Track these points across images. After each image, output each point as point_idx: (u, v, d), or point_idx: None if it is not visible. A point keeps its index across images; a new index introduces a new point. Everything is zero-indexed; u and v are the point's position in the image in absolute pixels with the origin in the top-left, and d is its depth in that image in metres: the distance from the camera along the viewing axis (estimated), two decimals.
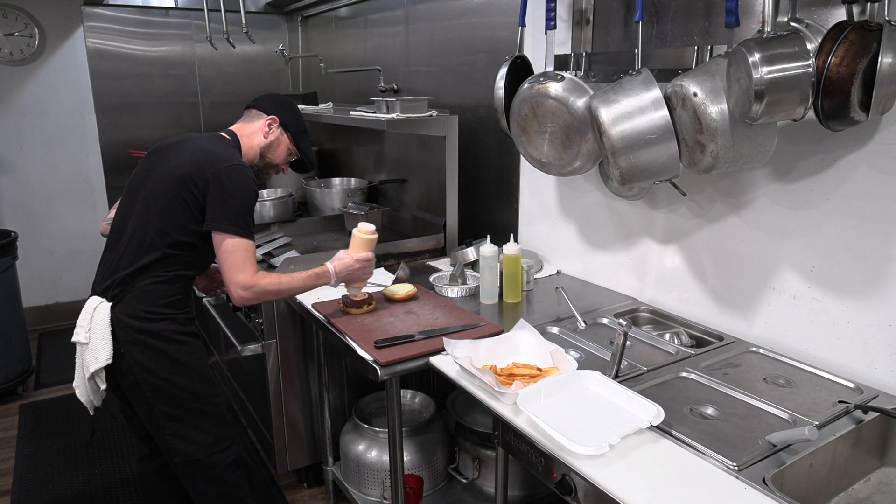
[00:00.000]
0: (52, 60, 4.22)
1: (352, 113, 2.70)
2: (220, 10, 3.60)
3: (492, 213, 2.67)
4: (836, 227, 1.52)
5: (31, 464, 2.90)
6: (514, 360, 1.59)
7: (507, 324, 1.80)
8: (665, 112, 1.53)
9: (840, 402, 1.38)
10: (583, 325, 1.82)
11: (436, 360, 1.65)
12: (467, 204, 2.72)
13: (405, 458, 2.16)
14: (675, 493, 1.12)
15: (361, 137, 3.51)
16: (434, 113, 2.51)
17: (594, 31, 2.05)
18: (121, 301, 1.73)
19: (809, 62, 1.28)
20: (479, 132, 2.65)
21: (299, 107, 2.15)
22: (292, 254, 2.51)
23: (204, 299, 2.57)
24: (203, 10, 3.65)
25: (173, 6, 3.91)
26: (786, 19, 1.44)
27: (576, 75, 1.88)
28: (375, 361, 1.65)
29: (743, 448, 1.23)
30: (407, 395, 2.53)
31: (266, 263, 2.47)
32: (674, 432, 1.28)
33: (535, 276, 2.24)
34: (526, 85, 1.91)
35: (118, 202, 1.88)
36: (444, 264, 2.50)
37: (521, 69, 2.06)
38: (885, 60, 1.20)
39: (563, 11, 2.10)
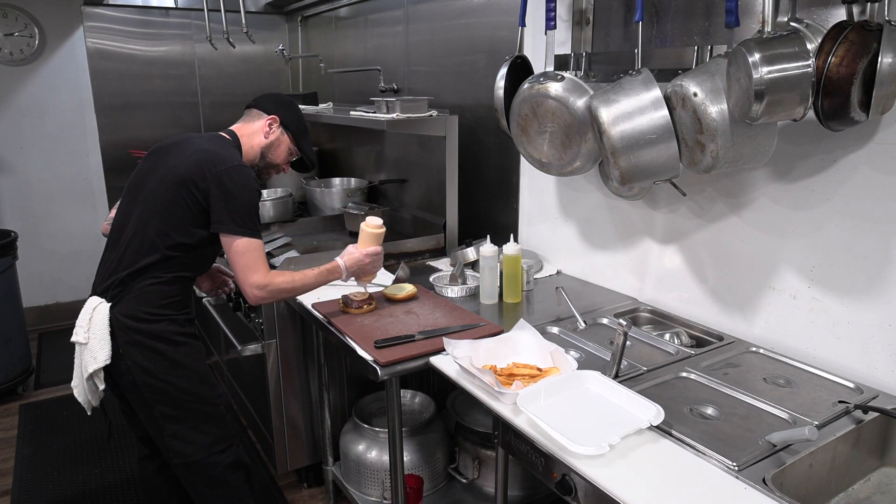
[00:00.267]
0: (52, 60, 4.22)
1: (352, 113, 2.70)
2: (220, 10, 3.60)
3: (492, 213, 2.67)
4: (836, 227, 1.52)
5: (31, 464, 2.90)
6: (514, 360, 1.59)
7: (507, 324, 1.80)
8: (665, 112, 1.53)
9: (840, 402, 1.38)
10: (583, 325, 1.82)
11: (436, 360, 1.65)
12: (467, 204, 2.72)
13: (405, 458, 2.16)
14: (675, 493, 1.12)
15: (361, 137, 3.51)
16: (434, 113, 2.51)
17: (594, 31, 2.05)
18: (120, 301, 1.73)
19: (809, 62, 1.28)
20: (479, 132, 2.65)
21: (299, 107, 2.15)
22: (292, 254, 2.51)
23: (204, 299, 2.57)
24: (203, 10, 3.66)
25: (173, 6, 3.91)
26: (786, 19, 1.44)
27: (576, 75, 1.88)
28: (375, 361, 1.65)
29: (743, 448, 1.23)
30: (407, 395, 2.53)
31: None
32: (674, 432, 1.28)
33: (535, 276, 2.24)
34: (526, 85, 1.91)
35: (118, 202, 1.88)
36: (444, 264, 2.51)
37: (521, 69, 2.06)
38: (885, 60, 1.20)
39: (563, 11, 2.10)
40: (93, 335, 1.71)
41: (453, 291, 2.14)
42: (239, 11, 3.65)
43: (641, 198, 1.98)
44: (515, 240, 2.08)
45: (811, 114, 1.34)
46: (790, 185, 1.60)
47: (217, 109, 4.11)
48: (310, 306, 2.03)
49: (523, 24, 2.06)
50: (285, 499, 2.62)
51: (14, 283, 3.50)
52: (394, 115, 2.43)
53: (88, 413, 1.85)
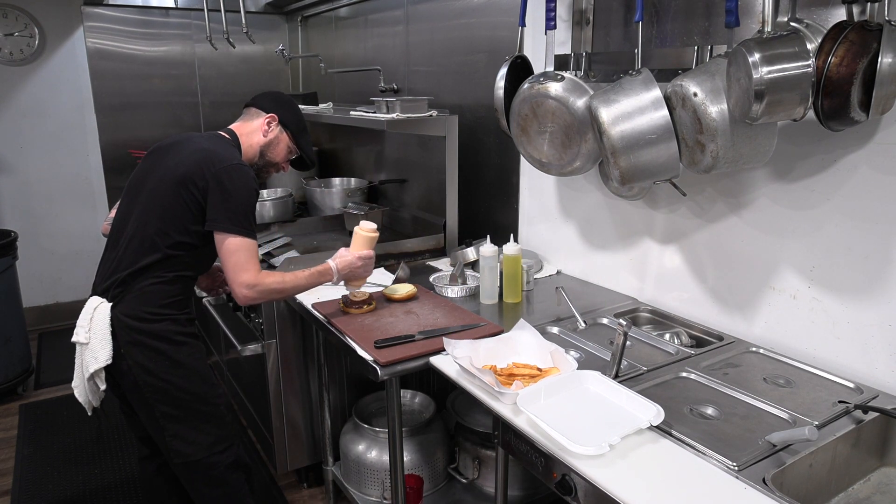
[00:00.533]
0: (52, 60, 4.22)
1: (352, 113, 2.70)
2: (220, 10, 3.60)
3: (492, 213, 2.67)
4: (836, 227, 1.52)
5: (31, 464, 2.90)
6: (514, 360, 1.59)
7: (507, 324, 1.80)
8: (665, 112, 1.53)
9: (840, 402, 1.38)
10: (583, 325, 1.82)
11: (436, 360, 1.65)
12: (467, 204, 2.72)
13: (405, 458, 2.16)
14: (675, 493, 1.12)
15: (361, 137, 3.51)
16: (434, 113, 2.51)
17: (594, 31, 2.05)
18: (121, 301, 1.73)
19: (809, 62, 1.28)
20: (479, 132, 2.65)
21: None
22: (292, 254, 2.51)
23: (204, 299, 2.57)
24: (203, 10, 3.65)
25: (173, 6, 3.91)
26: (786, 19, 1.44)
27: (576, 75, 1.88)
28: (375, 361, 1.65)
29: (743, 448, 1.23)
30: (407, 395, 2.53)
31: (266, 263, 2.47)
32: (674, 432, 1.28)
33: (535, 276, 2.24)
34: (526, 85, 1.91)
35: (118, 202, 1.88)
36: (444, 264, 2.50)
37: (521, 69, 2.06)
38: (885, 60, 1.20)
39: (563, 11, 2.10)
40: (94, 335, 1.71)
41: (453, 291, 2.14)
42: (239, 11, 3.65)
43: (641, 198, 1.98)
44: (515, 240, 2.08)
45: (811, 114, 1.34)
46: (790, 185, 1.60)
47: (217, 109, 4.11)
48: (310, 306, 2.03)
49: (523, 24, 2.06)
50: (285, 499, 2.62)
51: (14, 283, 3.50)
52: (394, 115, 2.43)
53: (89, 413, 1.85)
